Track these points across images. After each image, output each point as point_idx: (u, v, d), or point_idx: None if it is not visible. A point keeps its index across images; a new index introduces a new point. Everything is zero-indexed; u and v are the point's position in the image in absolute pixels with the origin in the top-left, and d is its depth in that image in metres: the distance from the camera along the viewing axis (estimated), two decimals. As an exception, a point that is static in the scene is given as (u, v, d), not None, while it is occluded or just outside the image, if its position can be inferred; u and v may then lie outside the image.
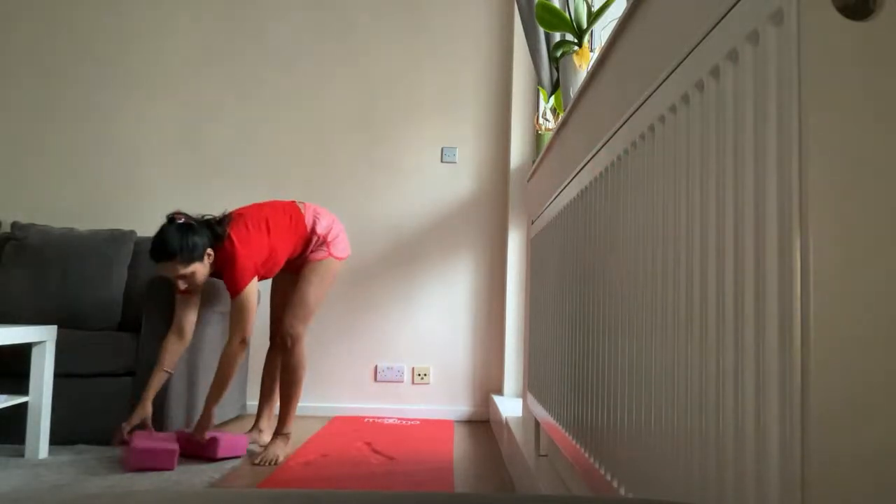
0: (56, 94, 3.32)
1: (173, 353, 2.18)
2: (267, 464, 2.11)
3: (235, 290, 2.09)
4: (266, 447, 2.23)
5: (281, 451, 2.19)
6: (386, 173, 3.26)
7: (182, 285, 2.10)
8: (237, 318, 2.09)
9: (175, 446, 1.98)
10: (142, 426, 2.10)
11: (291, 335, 2.23)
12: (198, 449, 2.14)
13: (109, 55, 3.33)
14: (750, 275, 0.58)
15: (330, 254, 2.31)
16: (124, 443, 2.02)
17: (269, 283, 3.20)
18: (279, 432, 2.26)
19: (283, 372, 2.28)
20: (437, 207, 3.25)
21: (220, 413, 2.76)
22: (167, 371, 2.16)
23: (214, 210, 3.24)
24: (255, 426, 2.44)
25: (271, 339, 2.46)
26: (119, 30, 3.34)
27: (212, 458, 2.12)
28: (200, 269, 2.08)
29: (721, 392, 0.62)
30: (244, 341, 2.11)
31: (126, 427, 2.04)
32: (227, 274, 2.10)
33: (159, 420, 2.30)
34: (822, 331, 0.48)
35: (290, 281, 2.43)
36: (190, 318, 2.21)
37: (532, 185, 2.38)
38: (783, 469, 0.52)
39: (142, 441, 1.98)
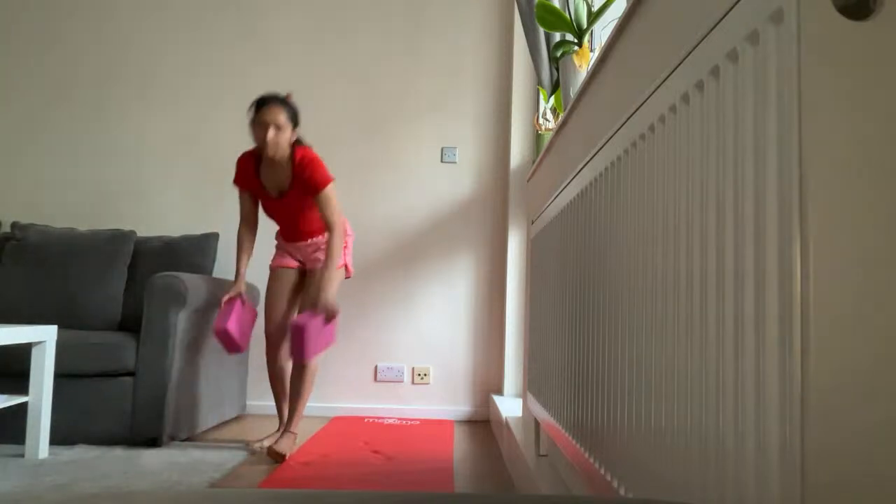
0: (56, 95, 3.32)
1: (250, 241, 2.43)
2: (274, 459, 2.18)
3: (325, 179, 2.28)
4: (283, 440, 2.25)
5: (287, 447, 2.22)
6: (386, 173, 3.26)
7: (271, 134, 2.21)
8: (334, 206, 2.30)
9: (235, 333, 2.24)
10: (237, 297, 2.33)
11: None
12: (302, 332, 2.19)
13: (109, 56, 3.33)
14: (750, 275, 0.58)
15: (346, 263, 2.43)
16: (220, 308, 2.31)
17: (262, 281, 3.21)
18: (287, 429, 2.29)
19: (296, 372, 2.34)
20: (437, 207, 3.25)
21: (220, 413, 2.76)
22: (249, 254, 2.42)
23: (215, 209, 3.25)
24: (281, 425, 2.45)
25: (269, 338, 2.43)
26: (118, 31, 3.34)
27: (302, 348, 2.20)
28: (289, 131, 2.26)
29: (721, 392, 0.62)
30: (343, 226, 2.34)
31: (224, 297, 2.31)
32: (310, 172, 2.26)
33: (160, 419, 2.30)
34: (822, 330, 0.48)
35: (291, 284, 2.44)
36: (255, 218, 2.45)
37: (532, 185, 2.38)
38: (783, 469, 0.52)
39: (224, 320, 2.24)
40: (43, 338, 2.12)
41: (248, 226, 2.43)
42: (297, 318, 2.19)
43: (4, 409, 2.28)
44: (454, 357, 3.19)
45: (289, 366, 2.44)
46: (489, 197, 3.25)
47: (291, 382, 2.35)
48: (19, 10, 3.36)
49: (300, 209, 2.35)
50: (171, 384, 2.34)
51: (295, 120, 2.29)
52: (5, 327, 1.99)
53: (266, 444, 2.37)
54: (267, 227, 3.18)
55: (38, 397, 2.13)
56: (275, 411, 3.15)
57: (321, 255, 2.40)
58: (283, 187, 2.33)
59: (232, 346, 2.27)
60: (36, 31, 3.35)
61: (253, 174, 2.36)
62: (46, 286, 2.74)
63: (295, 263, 2.48)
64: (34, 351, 2.13)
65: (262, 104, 2.23)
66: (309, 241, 2.43)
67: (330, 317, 2.27)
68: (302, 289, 2.49)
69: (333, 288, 2.28)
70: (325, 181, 2.27)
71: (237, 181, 2.40)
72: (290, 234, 2.43)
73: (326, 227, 2.29)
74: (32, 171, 3.29)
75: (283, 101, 2.25)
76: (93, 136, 3.30)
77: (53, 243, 2.84)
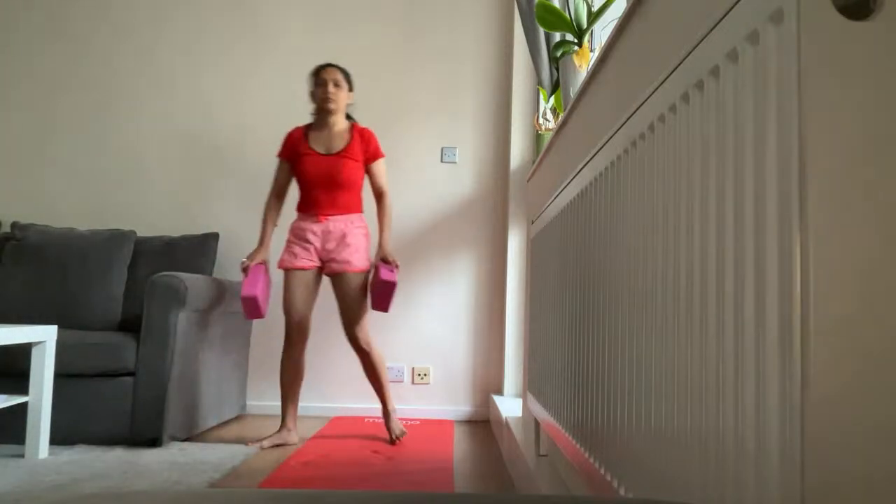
0: (56, 95, 3.32)
1: (276, 210, 2.57)
2: (398, 437, 2.50)
3: (381, 152, 2.56)
4: (390, 425, 2.53)
5: (397, 424, 2.54)
6: (386, 173, 3.26)
7: (330, 89, 2.47)
8: (385, 176, 2.58)
9: (254, 296, 2.33)
10: (261, 264, 2.46)
11: (367, 341, 2.48)
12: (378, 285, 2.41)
13: (108, 56, 3.33)
14: (750, 274, 0.58)
15: (368, 264, 2.53)
16: (245, 271, 2.43)
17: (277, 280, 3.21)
18: (390, 409, 2.55)
19: (371, 369, 2.52)
20: (437, 207, 3.25)
21: (220, 413, 2.76)
22: (274, 223, 2.56)
23: (215, 209, 3.24)
24: (284, 426, 2.46)
25: (290, 338, 2.46)
26: (117, 31, 3.34)
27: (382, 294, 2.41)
28: (345, 90, 2.53)
29: (721, 392, 0.62)
30: None
31: (246, 262, 2.44)
32: (373, 142, 2.53)
33: (160, 419, 2.30)
34: (822, 330, 0.48)
35: (310, 285, 2.48)
36: (285, 192, 2.60)
37: (532, 185, 2.38)
38: (783, 469, 0.52)
39: (253, 286, 2.36)
40: (43, 338, 2.12)
41: (279, 197, 2.58)
42: (384, 274, 2.38)
43: (4, 409, 2.28)
44: (454, 357, 3.19)
45: (303, 365, 2.51)
46: (489, 197, 3.25)
47: (372, 379, 2.52)
48: (19, 10, 3.36)
49: (341, 169, 2.46)
50: (171, 384, 2.34)
51: (350, 84, 2.55)
52: (5, 327, 1.99)
53: (266, 444, 2.38)
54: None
55: (38, 397, 2.13)
56: (275, 411, 3.15)
57: (348, 256, 2.45)
58: (332, 149, 2.50)
59: (256, 312, 2.36)
60: (36, 31, 3.35)
61: (301, 138, 2.53)
62: (46, 286, 2.74)
63: (310, 264, 2.47)
64: (34, 351, 2.13)
65: (322, 67, 2.50)
66: (339, 217, 2.48)
67: (395, 266, 2.48)
68: (318, 287, 2.54)
69: (390, 244, 2.63)
70: (382, 153, 2.56)
71: (282, 152, 2.55)
72: (322, 201, 2.48)
73: (377, 193, 2.55)
74: (32, 171, 3.29)
75: (340, 66, 2.53)
76: (93, 136, 3.30)
77: (53, 243, 2.84)
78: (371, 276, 2.50)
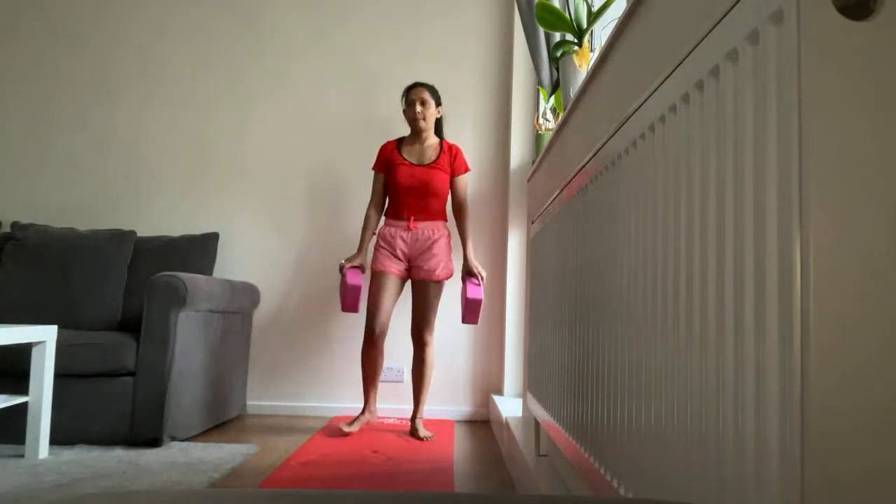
0: (56, 95, 3.32)
1: (376, 220, 2.76)
2: (426, 439, 2.57)
3: (467, 165, 2.77)
4: (416, 425, 2.63)
5: (425, 431, 2.62)
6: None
7: (418, 108, 2.68)
8: (467, 190, 2.86)
9: (356, 286, 2.57)
10: (358, 267, 2.67)
11: (432, 344, 2.68)
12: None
13: (108, 56, 3.33)
14: (750, 274, 0.58)
15: (449, 272, 2.69)
16: (342, 270, 2.63)
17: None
18: (419, 416, 2.67)
19: (420, 368, 2.67)
20: (437, 207, 3.25)
21: (220, 413, 2.76)
22: (373, 231, 2.75)
23: (215, 210, 3.24)
24: (367, 408, 2.69)
25: (371, 337, 2.61)
26: (118, 31, 3.34)
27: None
28: (433, 107, 2.72)
29: (721, 391, 0.62)
30: None
31: (345, 263, 2.64)
32: (460, 157, 2.75)
33: (160, 419, 2.30)
34: (822, 330, 0.48)
35: (395, 290, 2.66)
36: (384, 200, 2.78)
37: (532, 185, 2.38)
38: (783, 469, 0.52)
39: (357, 279, 2.60)
40: (43, 338, 2.12)
41: (377, 206, 2.77)
42: (472, 292, 2.58)
43: (4, 409, 2.28)
44: (454, 357, 3.18)
45: (382, 358, 2.69)
46: (489, 197, 3.25)
47: (418, 378, 2.67)
48: (19, 10, 3.36)
49: (432, 178, 2.66)
50: (171, 384, 2.34)
51: (437, 99, 2.73)
52: (5, 327, 1.99)
53: (355, 427, 2.61)
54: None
55: (38, 397, 2.13)
56: (275, 411, 3.16)
57: (434, 265, 2.62)
58: (425, 160, 2.70)
59: (355, 304, 2.58)
60: (36, 31, 3.35)
61: (394, 150, 2.72)
62: (46, 286, 2.74)
63: (398, 271, 2.65)
64: (34, 351, 2.13)
65: (410, 88, 2.72)
66: (426, 223, 2.67)
67: (481, 278, 2.67)
68: (400, 294, 2.70)
69: (473, 255, 2.77)
70: (468, 167, 2.76)
71: (376, 165, 2.76)
72: (413, 207, 2.66)
73: (459, 205, 2.73)
74: (32, 171, 3.29)
75: (427, 84, 2.72)
76: (93, 135, 3.30)
77: (53, 243, 2.84)
78: (460, 291, 2.73)
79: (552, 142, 1.88)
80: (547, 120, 2.74)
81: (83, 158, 3.29)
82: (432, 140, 2.75)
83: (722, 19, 0.66)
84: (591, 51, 2.06)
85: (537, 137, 2.78)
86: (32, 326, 2.07)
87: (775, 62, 0.56)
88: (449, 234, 2.71)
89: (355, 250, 3.23)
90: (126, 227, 3.24)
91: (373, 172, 2.75)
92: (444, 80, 3.29)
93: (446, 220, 2.74)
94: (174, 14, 3.34)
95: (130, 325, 2.79)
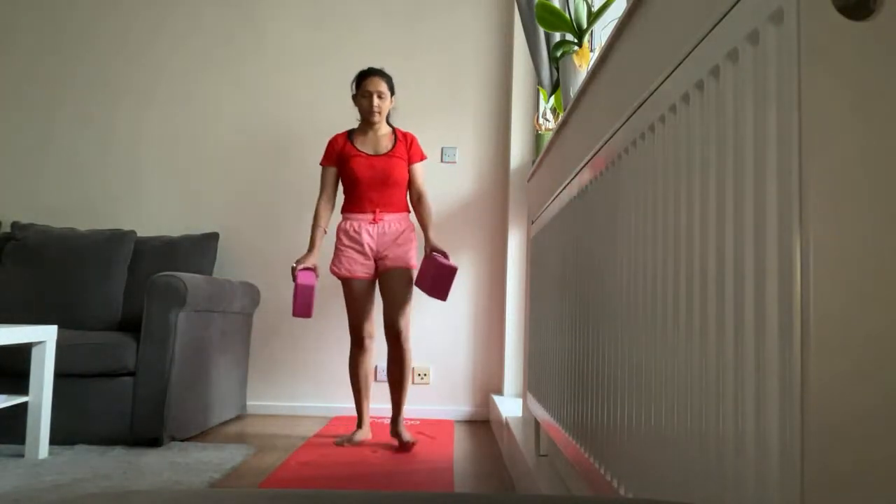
0: (56, 95, 3.32)
1: (326, 215, 2.60)
2: (411, 446, 2.40)
3: (423, 153, 2.66)
4: (399, 430, 2.46)
5: (409, 435, 2.46)
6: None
7: (376, 101, 2.53)
8: (424, 177, 2.67)
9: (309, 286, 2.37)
10: (310, 269, 2.48)
11: (407, 336, 2.52)
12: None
13: (109, 56, 3.33)
14: (750, 274, 0.58)
15: (416, 262, 2.56)
16: (293, 273, 2.44)
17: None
18: (402, 418, 2.52)
19: (397, 365, 2.51)
20: (437, 207, 3.24)
21: (220, 413, 2.76)
22: (324, 229, 2.59)
23: (215, 209, 3.24)
24: (362, 424, 2.57)
25: (359, 342, 2.54)
26: (118, 31, 3.34)
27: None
28: (389, 100, 2.59)
29: (721, 391, 0.62)
30: None
31: (296, 265, 2.44)
32: (416, 144, 2.64)
33: (160, 419, 2.30)
34: (822, 330, 0.48)
35: (368, 292, 2.55)
36: (334, 193, 2.64)
37: (532, 185, 2.38)
38: (783, 469, 0.52)
39: (311, 279, 2.41)
40: (43, 338, 2.12)
41: (328, 202, 2.61)
42: (445, 263, 2.41)
43: (4, 409, 2.28)
44: (454, 357, 3.18)
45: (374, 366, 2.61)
46: (489, 197, 3.25)
47: (396, 377, 2.51)
48: (19, 11, 3.36)
49: (392, 168, 2.53)
50: (171, 384, 2.34)
51: (393, 89, 2.60)
52: (5, 327, 1.99)
53: (357, 438, 2.50)
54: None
55: (38, 397, 2.13)
56: (275, 411, 3.15)
57: (402, 253, 2.49)
58: (380, 150, 2.57)
59: (308, 308, 2.37)
60: (36, 32, 3.35)
61: (345, 143, 2.59)
62: (46, 286, 2.74)
63: (366, 273, 2.51)
64: (34, 351, 2.13)
65: (365, 76, 2.55)
66: (393, 216, 2.53)
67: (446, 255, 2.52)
68: (374, 291, 2.58)
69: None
70: (424, 155, 2.66)
71: (325, 159, 2.60)
72: (376, 200, 2.52)
73: (418, 194, 2.60)
74: (33, 171, 3.29)
75: (383, 73, 2.57)
76: (93, 136, 3.30)
77: (53, 243, 2.84)
78: (426, 267, 2.48)
79: (552, 142, 1.88)
80: (547, 120, 2.74)
81: (83, 158, 3.29)
82: (385, 129, 2.61)
83: (722, 19, 0.66)
84: (591, 51, 2.06)
85: (537, 137, 2.78)
86: (32, 326, 2.07)
87: (775, 62, 0.56)
88: (412, 226, 2.59)
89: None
90: (126, 227, 3.24)
91: (321, 167, 2.60)
92: (444, 80, 3.29)
93: (409, 212, 2.61)
94: (174, 14, 3.34)
95: (130, 325, 2.79)
